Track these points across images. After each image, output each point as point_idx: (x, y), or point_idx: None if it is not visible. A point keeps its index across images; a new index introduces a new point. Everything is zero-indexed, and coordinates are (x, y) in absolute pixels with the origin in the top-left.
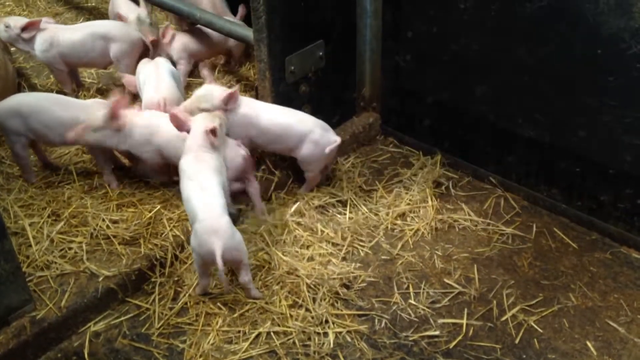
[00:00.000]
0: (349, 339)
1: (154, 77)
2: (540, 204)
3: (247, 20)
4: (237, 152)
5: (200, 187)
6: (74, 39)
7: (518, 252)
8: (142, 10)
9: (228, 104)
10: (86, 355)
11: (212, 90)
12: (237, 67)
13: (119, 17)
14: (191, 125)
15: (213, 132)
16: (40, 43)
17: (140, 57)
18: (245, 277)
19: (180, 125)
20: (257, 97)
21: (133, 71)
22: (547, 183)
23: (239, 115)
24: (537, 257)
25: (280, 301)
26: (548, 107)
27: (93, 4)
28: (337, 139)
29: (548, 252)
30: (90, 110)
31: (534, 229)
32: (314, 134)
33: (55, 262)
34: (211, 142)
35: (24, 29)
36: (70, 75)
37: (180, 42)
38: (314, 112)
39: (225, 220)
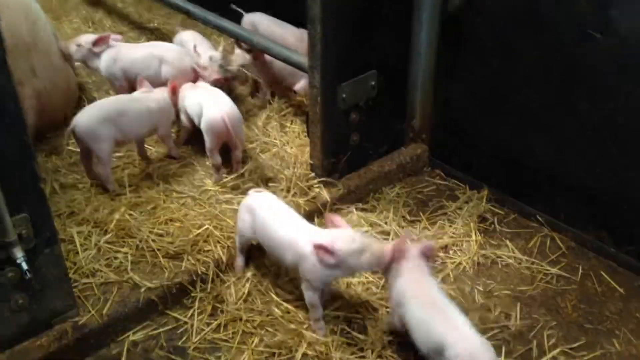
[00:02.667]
0: None
1: (212, 96)
2: (587, 245)
3: None
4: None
5: (435, 307)
6: (134, 56)
7: (562, 293)
8: (215, 52)
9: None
10: None
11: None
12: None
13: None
14: (408, 251)
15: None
16: (105, 59)
17: None
18: None
19: (402, 253)
20: (307, 122)
21: None
22: (596, 225)
23: None
24: (582, 299)
25: None
26: (603, 155)
27: (155, 25)
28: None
29: (593, 295)
30: (155, 97)
31: (580, 270)
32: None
33: (101, 271)
34: (428, 264)
35: (95, 44)
36: (129, 91)
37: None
38: (363, 140)
39: (482, 341)
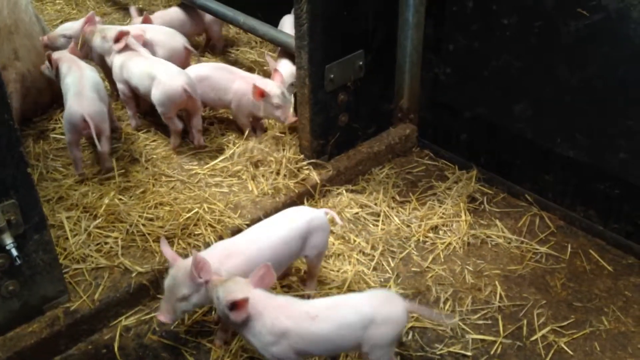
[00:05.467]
0: None
1: (161, 65)
2: (576, 224)
3: None
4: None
5: None
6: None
7: (551, 272)
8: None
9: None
10: (116, 349)
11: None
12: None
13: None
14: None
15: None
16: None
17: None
18: None
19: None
20: (295, 104)
21: None
22: (584, 204)
23: None
24: (571, 278)
25: None
26: (588, 128)
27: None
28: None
29: (582, 273)
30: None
31: (569, 249)
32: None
33: (91, 256)
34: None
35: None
36: None
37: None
38: (352, 121)
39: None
